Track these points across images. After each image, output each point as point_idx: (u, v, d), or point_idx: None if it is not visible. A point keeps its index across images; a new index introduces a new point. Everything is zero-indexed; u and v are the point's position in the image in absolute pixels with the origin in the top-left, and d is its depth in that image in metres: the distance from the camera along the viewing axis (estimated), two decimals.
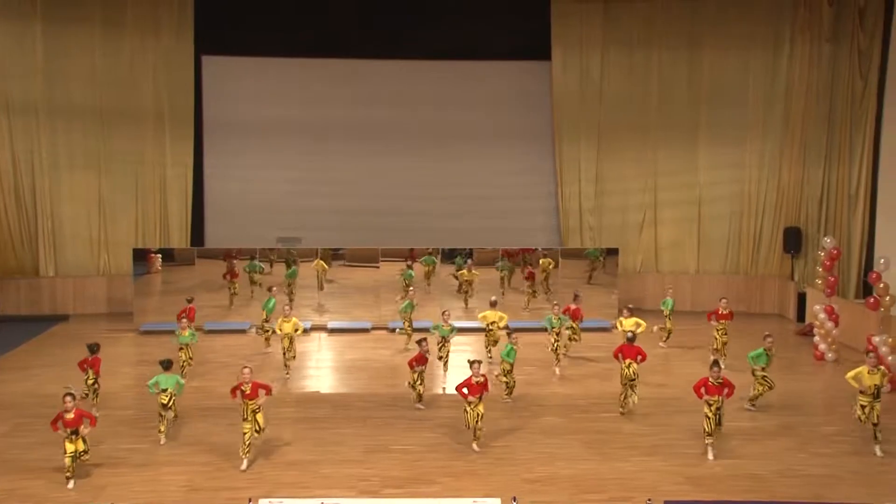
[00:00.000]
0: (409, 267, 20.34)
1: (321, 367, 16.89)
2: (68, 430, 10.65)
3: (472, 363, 11.97)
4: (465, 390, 11.83)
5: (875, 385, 11.84)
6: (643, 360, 13.40)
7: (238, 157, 22.20)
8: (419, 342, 13.90)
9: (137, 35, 21.17)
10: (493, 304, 17.18)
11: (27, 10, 20.56)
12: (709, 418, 11.69)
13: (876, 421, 11.85)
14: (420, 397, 13.88)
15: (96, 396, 13.41)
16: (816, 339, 17.35)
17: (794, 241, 21.12)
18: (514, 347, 13.88)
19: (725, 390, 11.79)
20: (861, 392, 11.95)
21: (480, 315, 16.97)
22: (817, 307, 17.44)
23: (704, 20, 21.63)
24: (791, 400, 14.08)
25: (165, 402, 12.18)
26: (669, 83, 21.92)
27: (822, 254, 17.69)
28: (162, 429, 12.15)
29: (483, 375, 11.96)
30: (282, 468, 11.26)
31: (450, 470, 11.23)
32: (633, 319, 16.05)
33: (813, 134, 21.01)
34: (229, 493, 10.39)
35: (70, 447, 10.60)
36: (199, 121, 21.97)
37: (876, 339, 15.28)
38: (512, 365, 14.02)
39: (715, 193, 22.09)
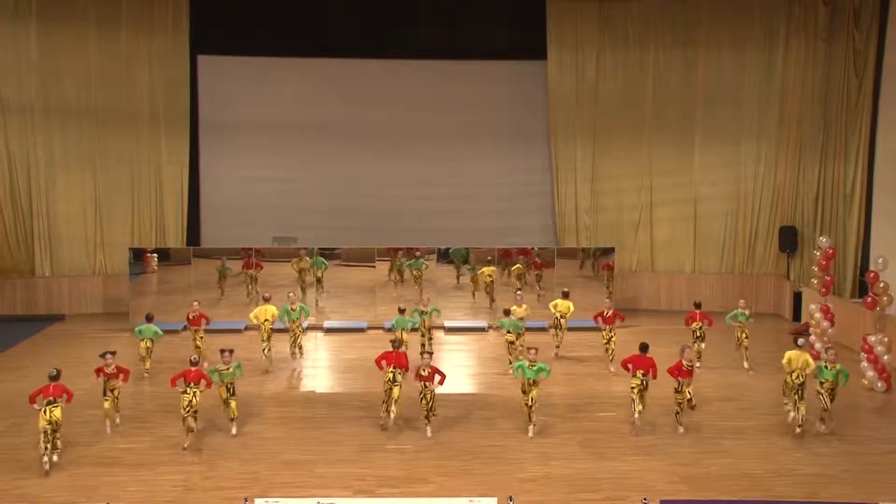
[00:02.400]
0: (417, 258, 20.31)
1: (317, 367, 16.87)
2: (45, 402, 10.64)
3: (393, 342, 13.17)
4: (383, 363, 12.91)
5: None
6: (654, 375, 12.73)
7: (233, 157, 22.22)
8: (422, 354, 13.50)
9: (132, 34, 21.16)
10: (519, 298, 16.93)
11: (22, 9, 20.53)
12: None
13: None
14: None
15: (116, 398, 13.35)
16: (812, 338, 17.35)
17: (789, 240, 21.13)
18: (529, 363, 12.41)
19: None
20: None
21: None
22: (813, 306, 17.45)
23: (699, 20, 21.63)
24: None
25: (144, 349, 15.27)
26: (665, 83, 21.92)
27: (818, 253, 17.69)
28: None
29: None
30: (277, 468, 11.26)
31: (445, 469, 11.23)
32: (567, 303, 16.23)
33: (808, 133, 21.04)
34: (224, 493, 10.38)
35: (43, 421, 10.48)
36: (195, 120, 21.98)
37: (872, 339, 15.30)
38: (525, 383, 12.48)
39: (711, 193, 22.08)
